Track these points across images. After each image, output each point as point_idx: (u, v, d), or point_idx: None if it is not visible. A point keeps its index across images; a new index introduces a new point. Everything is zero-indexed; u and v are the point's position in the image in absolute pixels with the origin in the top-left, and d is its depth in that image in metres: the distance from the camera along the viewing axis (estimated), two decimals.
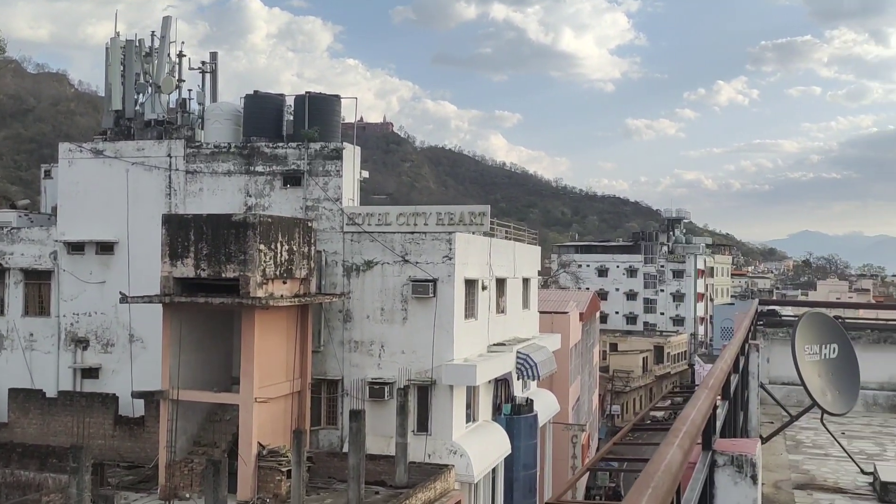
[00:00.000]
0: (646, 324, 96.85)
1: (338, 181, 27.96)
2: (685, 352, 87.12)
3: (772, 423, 10.26)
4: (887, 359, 12.97)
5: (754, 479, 3.19)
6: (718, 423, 3.68)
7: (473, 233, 27.92)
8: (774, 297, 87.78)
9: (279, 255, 23.92)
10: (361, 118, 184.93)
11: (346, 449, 23.93)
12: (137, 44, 32.17)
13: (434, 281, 26.05)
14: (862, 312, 29.32)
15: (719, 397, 4.38)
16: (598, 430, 56.54)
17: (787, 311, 16.19)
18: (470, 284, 27.26)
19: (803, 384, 7.78)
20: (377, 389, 26.03)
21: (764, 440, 8.37)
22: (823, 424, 8.42)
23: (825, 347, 8.14)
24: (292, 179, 28.42)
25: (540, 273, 40.14)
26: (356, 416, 22.82)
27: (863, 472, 8.25)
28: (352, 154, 28.70)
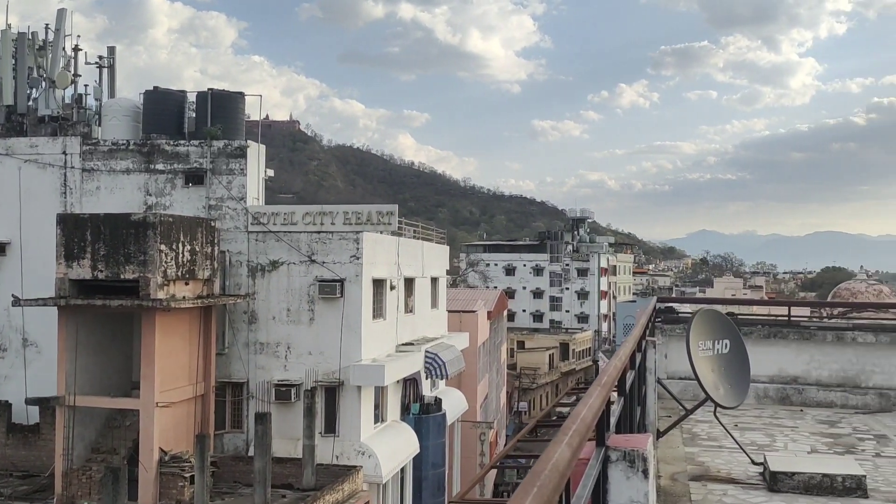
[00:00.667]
0: (552, 321, 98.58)
1: (242, 180, 27.48)
2: (590, 348, 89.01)
3: (669, 416, 10.58)
4: (777, 353, 13.54)
5: (646, 473, 3.28)
6: (613, 419, 3.77)
7: (381, 232, 27.87)
8: (674, 295, 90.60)
9: (181, 255, 23.36)
10: (267, 116, 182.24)
11: (251, 453, 23.55)
12: (30, 37, 30.91)
13: (341, 281, 25.89)
14: (755, 309, 30.55)
15: (615, 393, 4.49)
16: (505, 427, 57.21)
17: (684, 308, 16.74)
18: (378, 284, 27.20)
19: (697, 379, 8.06)
20: (284, 391, 25.70)
21: (661, 434, 8.63)
22: (716, 417, 8.74)
23: (718, 343, 8.44)
24: (194, 178, 27.78)
25: (448, 272, 40.38)
26: (262, 418, 22.48)
27: (753, 462, 8.59)
28: (256, 152, 28.25)
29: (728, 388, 8.41)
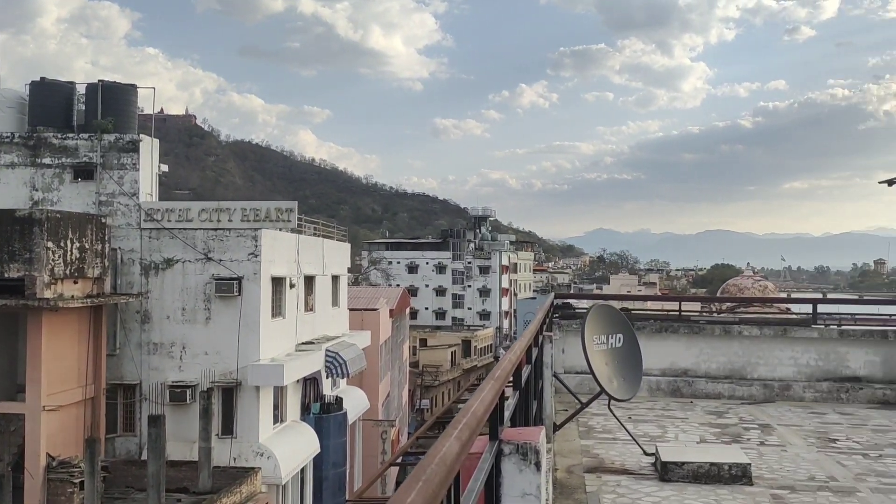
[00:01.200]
0: (454, 319, 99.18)
1: (134, 175, 26.58)
2: (491, 345, 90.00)
3: (566, 410, 10.74)
4: (668, 347, 13.97)
5: (538, 465, 3.31)
6: (507, 413, 3.79)
7: (281, 229, 27.43)
8: (572, 291, 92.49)
9: (69, 253, 22.44)
10: (161, 109, 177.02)
11: (145, 456, 22.83)
12: None
13: (239, 279, 25.35)
14: (649, 304, 31.47)
15: (511, 388, 4.52)
16: (408, 424, 57.25)
17: (582, 304, 17.09)
18: (277, 282, 26.77)
19: (592, 372, 8.22)
20: (178, 393, 25.00)
21: (557, 428, 8.77)
22: (611, 410, 8.94)
23: (612, 337, 8.64)
24: (84, 173, 26.72)
25: (350, 270, 40.09)
26: (155, 421, 21.82)
27: (646, 453, 8.82)
28: (150, 147, 27.37)
29: (622, 381, 8.61)
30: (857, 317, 16.39)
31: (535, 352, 6.69)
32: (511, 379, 4.55)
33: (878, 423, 11.63)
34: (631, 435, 9.06)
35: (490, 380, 3.08)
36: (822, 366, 13.66)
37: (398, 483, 44.70)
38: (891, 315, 16.10)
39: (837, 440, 10.47)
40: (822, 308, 14.95)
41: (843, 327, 13.93)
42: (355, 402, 33.08)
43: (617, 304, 13.71)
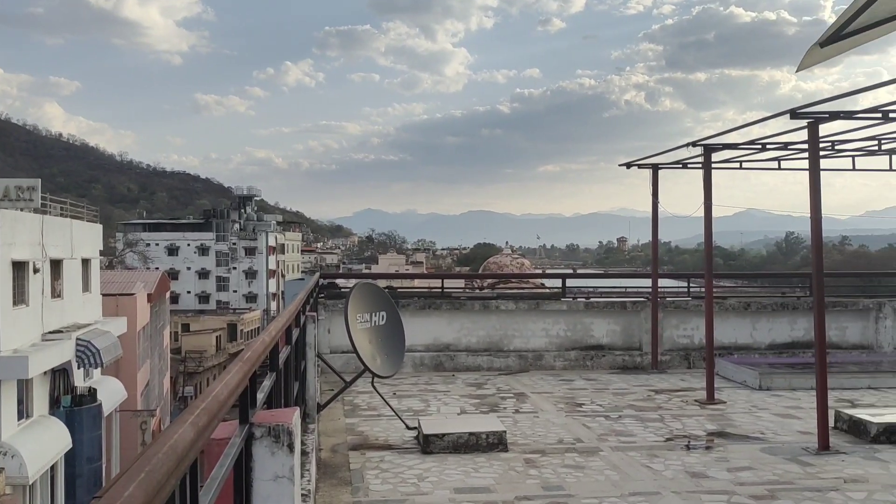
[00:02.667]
0: (219, 302, 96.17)
1: None
2: (258, 328, 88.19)
3: (332, 390, 10.73)
4: (432, 323, 14.35)
5: (291, 447, 3.23)
6: (262, 395, 3.68)
7: (22, 209, 25.16)
8: (341, 271, 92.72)
9: None
10: None
11: None
12: None
13: None
14: (416, 282, 32.16)
15: (268, 370, 4.40)
16: (170, 413, 54.91)
17: (349, 284, 17.13)
18: (18, 267, 24.54)
19: (355, 350, 8.24)
20: None
21: (321, 407, 8.72)
22: (374, 387, 9.02)
23: (375, 315, 8.71)
24: None
25: (103, 253, 37.62)
26: None
27: (408, 427, 9.00)
28: None
29: (385, 358, 8.71)
30: (600, 290, 17.68)
31: (296, 333, 6.58)
32: (268, 360, 4.44)
33: (618, 387, 12.62)
34: (394, 411, 9.21)
35: (238, 362, 2.96)
36: (570, 336, 14.61)
37: None
38: (627, 287, 17.52)
39: (583, 404, 11.25)
40: (570, 283, 15.97)
41: (590, 300, 14.97)
42: (111, 393, 31.19)
43: (382, 283, 13.85)
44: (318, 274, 15.33)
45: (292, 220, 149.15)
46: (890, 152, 12.02)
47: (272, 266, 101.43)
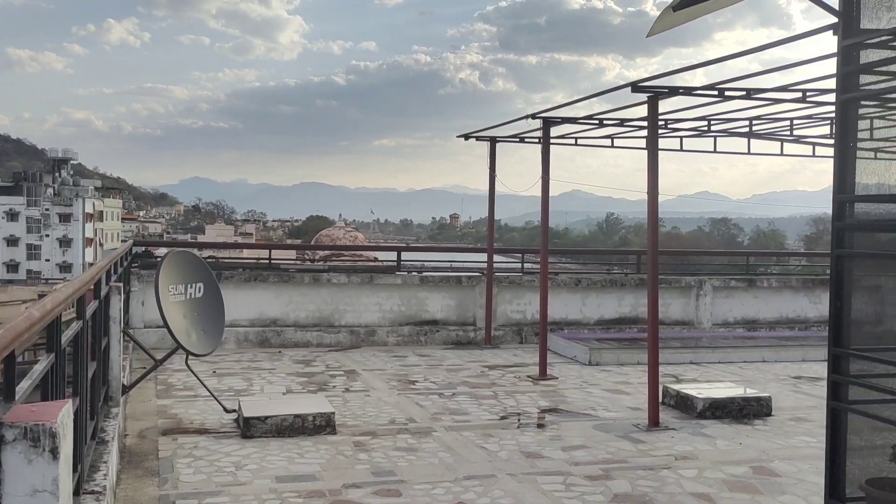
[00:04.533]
0: (30, 271, 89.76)
1: None
2: None
3: (144, 368, 9.78)
4: (257, 296, 13.51)
5: (55, 452, 2.53)
6: (26, 384, 2.93)
7: None
8: (165, 240, 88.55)
9: None
10: None
11: None
12: None
13: None
14: (245, 253, 30.89)
15: (44, 350, 3.62)
16: None
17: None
18: None
19: (167, 326, 7.41)
20: None
21: (127, 389, 7.82)
22: (188, 366, 8.19)
23: (191, 287, 7.87)
24: None
25: None
26: None
27: (226, 410, 8.24)
28: None
29: (202, 334, 7.91)
30: (433, 263, 17.34)
31: (93, 306, 5.72)
32: (44, 340, 3.66)
33: (451, 363, 12.33)
34: (210, 392, 8.42)
35: None
36: (404, 311, 14.19)
37: None
38: (453, 262, 17.33)
39: (416, 381, 10.86)
40: (405, 257, 15.55)
41: (424, 274, 14.60)
42: None
43: (202, 253, 12.89)
44: (130, 241, 14.11)
45: (113, 187, 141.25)
46: (716, 135, 12.30)
47: (89, 234, 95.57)
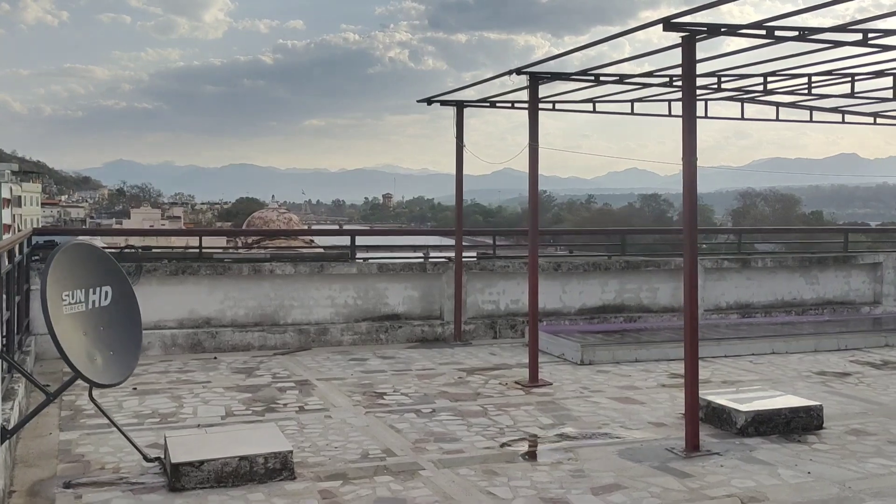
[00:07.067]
0: None
1: None
2: None
3: (49, 385, 7.67)
4: (187, 292, 11.41)
5: None
6: None
7: None
8: (87, 227, 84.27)
9: None
10: None
11: None
12: None
13: None
14: (174, 240, 28.39)
15: None
16: None
17: (98, 243, 13.72)
18: None
19: (59, 349, 5.37)
20: None
21: (8, 435, 5.75)
22: (93, 400, 6.13)
23: (94, 293, 5.82)
24: None
25: None
26: None
27: (147, 459, 6.20)
28: None
29: (109, 356, 5.86)
30: (386, 248, 15.41)
31: None
32: None
33: (421, 367, 10.48)
34: (125, 435, 6.36)
35: None
36: (361, 304, 12.26)
37: None
38: (399, 245, 15.41)
39: (385, 394, 8.98)
40: (360, 240, 13.59)
41: (383, 261, 12.67)
42: None
43: (120, 241, 10.72)
44: (29, 229, 11.82)
45: (32, 171, 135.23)
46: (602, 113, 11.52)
47: (7, 220, 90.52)
